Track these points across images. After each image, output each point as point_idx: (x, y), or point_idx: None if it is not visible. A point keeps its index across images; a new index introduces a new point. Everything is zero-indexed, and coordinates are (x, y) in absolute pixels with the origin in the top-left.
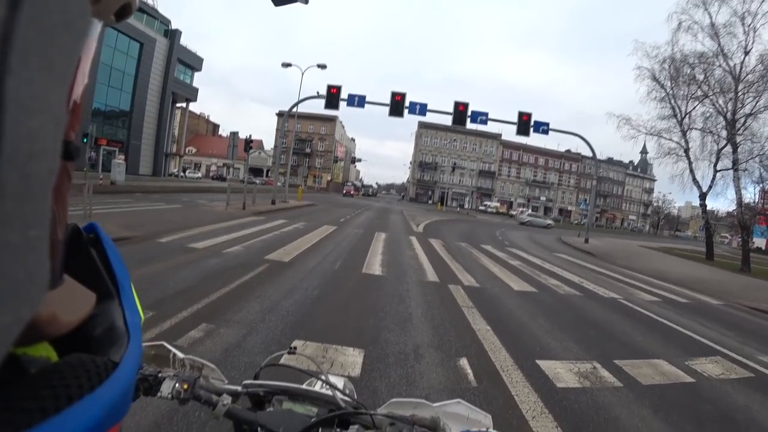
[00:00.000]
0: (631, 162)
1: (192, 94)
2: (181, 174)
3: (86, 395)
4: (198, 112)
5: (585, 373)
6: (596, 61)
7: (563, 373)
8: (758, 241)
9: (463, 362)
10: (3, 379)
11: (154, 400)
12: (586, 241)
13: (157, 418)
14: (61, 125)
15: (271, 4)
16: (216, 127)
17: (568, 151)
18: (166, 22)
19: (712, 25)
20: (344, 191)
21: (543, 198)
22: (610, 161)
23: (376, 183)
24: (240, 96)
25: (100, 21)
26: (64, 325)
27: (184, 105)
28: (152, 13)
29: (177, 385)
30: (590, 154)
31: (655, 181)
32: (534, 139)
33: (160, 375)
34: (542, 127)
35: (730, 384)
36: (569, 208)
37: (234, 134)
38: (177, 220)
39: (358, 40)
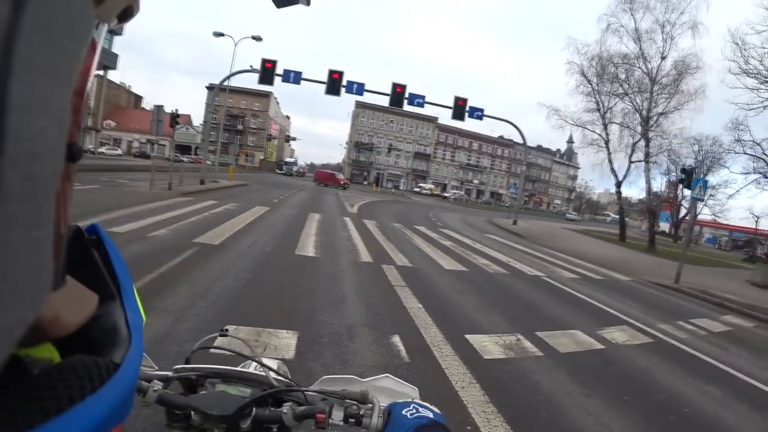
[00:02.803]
0: (558, 150)
1: (111, 61)
2: (99, 151)
3: (88, 396)
4: (118, 82)
5: (510, 344)
6: (531, 51)
7: (490, 345)
8: (663, 225)
9: (396, 339)
10: (5, 380)
11: None
12: (515, 222)
13: None
14: (64, 127)
15: (273, 5)
16: (139, 99)
17: (501, 137)
18: None
19: (636, 30)
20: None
21: (476, 181)
22: (539, 148)
23: (305, 162)
24: (164, 65)
25: (103, 23)
26: (67, 327)
27: (101, 73)
28: None
29: None
30: (521, 141)
31: (579, 168)
32: (469, 124)
33: None
34: (477, 113)
35: (633, 349)
36: (500, 191)
37: (159, 108)
38: (96, 202)
39: (294, 10)
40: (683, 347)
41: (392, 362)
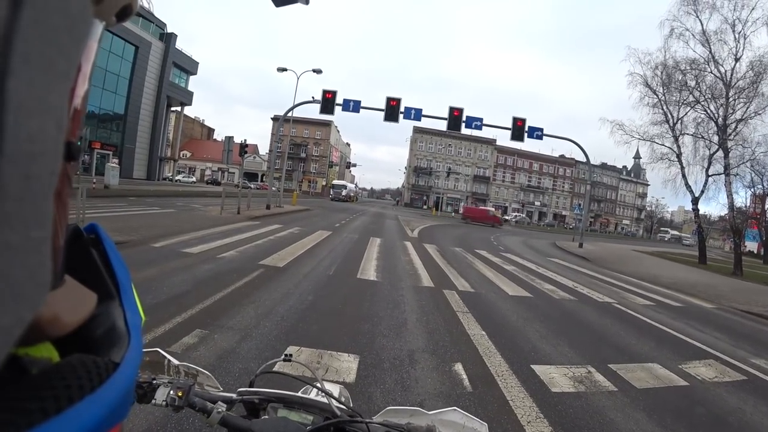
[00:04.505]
0: (624, 167)
1: (187, 98)
2: (177, 178)
3: (87, 396)
4: (193, 116)
5: (580, 377)
6: (587, 63)
7: (558, 377)
8: (750, 245)
9: (458, 367)
10: (4, 380)
11: (147, 407)
12: (581, 245)
13: (150, 425)
14: (63, 126)
15: (272, 4)
16: (211, 131)
17: (562, 156)
18: (161, 25)
19: (704, 32)
20: None
21: (537, 203)
22: (603, 166)
23: (360, 187)
24: (230, 99)
25: (101, 22)
26: (66, 326)
27: (179, 109)
28: (148, 17)
29: (172, 392)
30: (584, 159)
31: (648, 185)
32: (528, 144)
33: (154, 382)
34: (536, 133)
35: (723, 387)
36: (563, 212)
37: (229, 138)
38: (171, 224)
39: (349, 39)
40: None
41: (454, 391)
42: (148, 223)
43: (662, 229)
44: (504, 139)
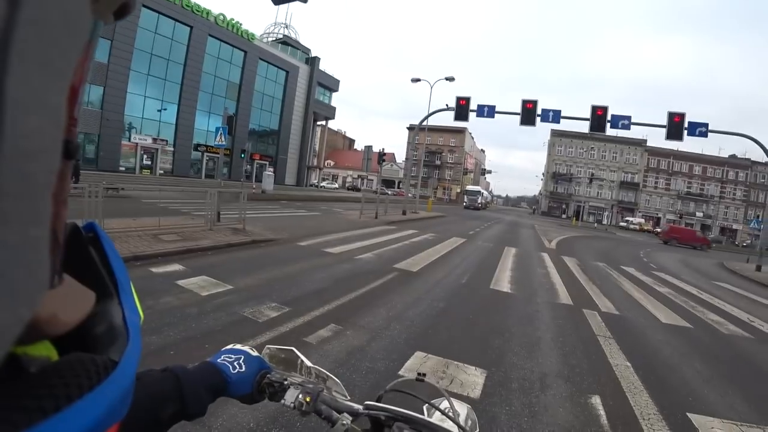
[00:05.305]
0: None
1: (330, 113)
2: (321, 185)
3: (86, 394)
4: (335, 129)
5: None
6: (756, 41)
7: None
8: None
9: (596, 401)
10: (3, 379)
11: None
12: (759, 268)
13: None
14: (61, 124)
15: (280, 6)
16: (352, 141)
17: (733, 156)
18: (306, 51)
19: None
20: None
21: (699, 213)
22: None
23: (495, 193)
24: (368, 112)
25: (99, 20)
26: (64, 324)
27: (323, 123)
28: (294, 45)
29: (301, 395)
30: (764, 159)
31: None
32: (688, 144)
33: (286, 382)
34: (699, 129)
35: None
36: (734, 226)
37: (368, 148)
38: (316, 226)
39: (482, 46)
40: None
41: (589, 429)
42: (295, 224)
43: None
44: (656, 138)
